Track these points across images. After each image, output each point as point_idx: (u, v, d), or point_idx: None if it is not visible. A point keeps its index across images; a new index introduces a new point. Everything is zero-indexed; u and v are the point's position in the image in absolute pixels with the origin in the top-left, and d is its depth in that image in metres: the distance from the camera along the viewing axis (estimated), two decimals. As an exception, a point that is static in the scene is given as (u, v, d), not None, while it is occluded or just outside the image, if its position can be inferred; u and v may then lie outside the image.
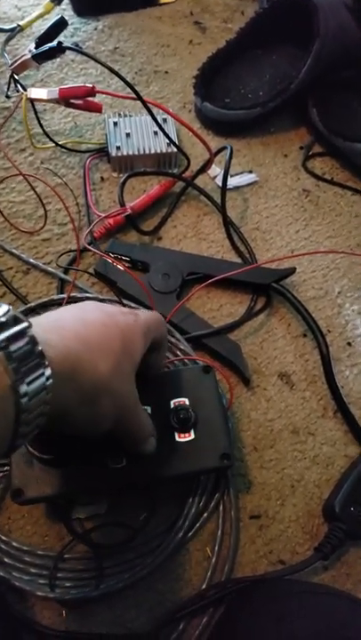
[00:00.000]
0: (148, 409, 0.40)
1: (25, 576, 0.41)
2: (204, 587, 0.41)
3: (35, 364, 0.26)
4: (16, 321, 0.26)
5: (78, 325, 0.32)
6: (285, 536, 0.44)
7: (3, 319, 0.26)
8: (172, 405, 0.41)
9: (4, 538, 0.42)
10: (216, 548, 0.42)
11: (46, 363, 0.27)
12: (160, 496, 0.44)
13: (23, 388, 0.25)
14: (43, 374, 0.26)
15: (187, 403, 0.40)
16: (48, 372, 0.27)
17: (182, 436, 0.40)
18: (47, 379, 0.27)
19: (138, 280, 0.49)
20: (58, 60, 0.66)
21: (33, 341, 0.26)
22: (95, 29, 0.70)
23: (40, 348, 0.26)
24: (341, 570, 0.42)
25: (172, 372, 0.46)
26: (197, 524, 0.43)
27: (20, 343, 0.26)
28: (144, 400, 0.38)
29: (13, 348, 0.25)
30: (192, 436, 0.40)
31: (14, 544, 0.42)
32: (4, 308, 0.26)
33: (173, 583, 0.42)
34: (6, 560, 0.41)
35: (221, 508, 0.44)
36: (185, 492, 0.43)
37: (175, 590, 0.41)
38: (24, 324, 0.26)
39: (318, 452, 0.47)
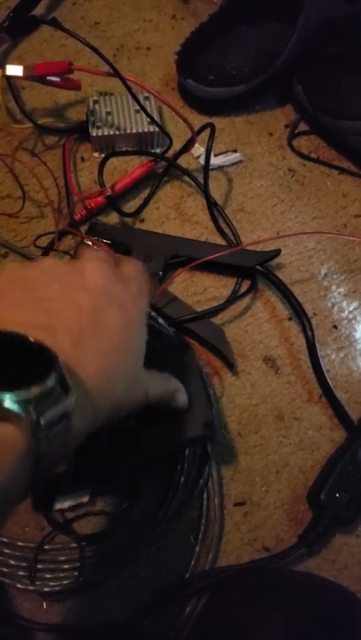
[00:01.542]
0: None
1: (4, 568, 0.38)
2: (187, 575, 0.39)
3: (61, 427, 0.23)
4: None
5: (100, 353, 0.27)
6: (270, 523, 0.42)
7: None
8: None
9: (-17, 529, 0.40)
10: (200, 535, 0.41)
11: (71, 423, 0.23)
12: (144, 479, 0.42)
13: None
14: (65, 426, 0.23)
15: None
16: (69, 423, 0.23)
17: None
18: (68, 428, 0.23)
19: (119, 258, 0.46)
20: (35, 35, 0.62)
21: (67, 416, 0.23)
22: (74, 3, 0.66)
23: (72, 422, 0.23)
24: (327, 556, 0.41)
25: (152, 349, 0.43)
26: (181, 512, 0.41)
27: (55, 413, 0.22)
28: None
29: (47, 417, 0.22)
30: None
31: (-6, 535, 0.40)
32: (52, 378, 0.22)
33: (156, 572, 0.40)
34: (-14, 552, 0.39)
35: (205, 495, 0.42)
36: (167, 479, 0.41)
37: (158, 579, 0.40)
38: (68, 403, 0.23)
39: (303, 437, 0.45)
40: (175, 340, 0.43)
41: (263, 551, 0.41)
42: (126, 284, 0.32)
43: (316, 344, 0.46)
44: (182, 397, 0.37)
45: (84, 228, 0.51)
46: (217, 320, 0.49)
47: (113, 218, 0.53)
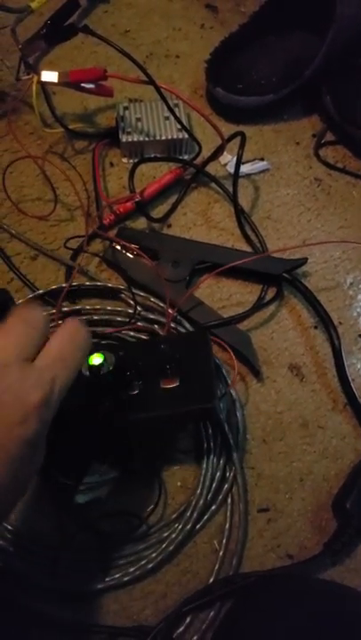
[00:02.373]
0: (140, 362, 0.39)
1: (30, 566, 0.38)
2: (211, 580, 0.39)
3: None
4: None
5: None
6: (294, 530, 0.41)
7: None
8: (159, 357, 0.39)
9: (9, 527, 0.40)
10: (224, 541, 0.40)
11: None
12: (167, 483, 0.41)
13: None
14: None
15: (175, 354, 0.39)
16: None
17: (167, 382, 0.39)
18: None
19: (152, 265, 0.47)
20: (67, 42, 0.62)
21: None
22: (105, 12, 0.66)
23: None
24: (350, 566, 0.40)
25: (168, 334, 0.45)
26: (205, 517, 0.41)
27: None
28: (136, 355, 0.40)
29: None
30: (177, 382, 0.39)
31: (18, 533, 0.39)
32: None
33: (180, 576, 0.39)
34: (11, 549, 0.39)
35: (230, 500, 0.41)
36: (193, 482, 0.41)
37: (182, 583, 0.39)
38: None
39: (328, 445, 0.44)
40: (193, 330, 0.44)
41: (286, 558, 0.40)
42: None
43: (342, 353, 0.46)
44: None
45: (112, 233, 0.51)
46: (242, 326, 0.48)
47: (141, 223, 0.53)
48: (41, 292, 0.47)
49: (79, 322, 0.33)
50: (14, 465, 0.26)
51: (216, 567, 0.39)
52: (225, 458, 0.42)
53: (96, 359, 0.39)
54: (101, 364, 0.38)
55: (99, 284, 0.48)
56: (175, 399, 0.38)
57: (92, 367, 0.38)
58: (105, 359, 0.39)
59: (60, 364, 0.30)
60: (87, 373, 0.38)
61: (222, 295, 0.50)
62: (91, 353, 0.39)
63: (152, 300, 0.46)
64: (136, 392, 0.39)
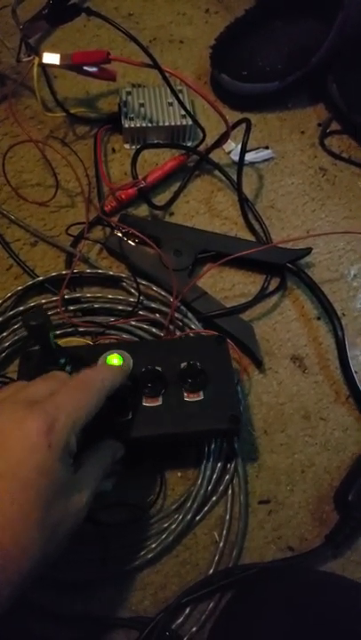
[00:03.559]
0: (160, 368, 0.37)
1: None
2: (211, 572, 0.38)
3: None
4: None
5: None
6: (295, 522, 0.40)
7: None
8: (182, 366, 0.38)
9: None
10: (224, 532, 0.39)
11: None
12: (170, 472, 0.40)
13: None
14: None
15: (198, 365, 0.37)
16: None
17: (191, 395, 0.37)
18: None
19: (158, 252, 0.45)
20: (69, 24, 0.59)
21: None
22: (109, -6, 0.64)
23: None
24: (351, 558, 0.39)
25: (185, 338, 0.43)
26: (206, 508, 0.39)
27: None
28: (155, 361, 0.37)
29: None
30: (201, 396, 0.37)
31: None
32: None
33: (179, 567, 0.38)
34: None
35: (230, 491, 0.40)
36: (194, 473, 0.40)
37: (181, 574, 0.38)
38: None
39: (330, 437, 0.43)
40: (212, 335, 0.41)
41: (287, 550, 0.39)
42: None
43: (346, 344, 0.45)
44: (121, 452, 0.35)
45: (113, 220, 0.49)
46: (245, 317, 0.47)
47: (143, 210, 0.51)
48: (41, 278, 0.45)
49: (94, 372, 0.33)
50: (30, 493, 0.27)
51: (216, 558, 0.38)
52: (227, 449, 0.41)
53: (114, 361, 0.37)
54: (121, 367, 0.37)
55: (100, 271, 0.46)
56: (200, 416, 0.36)
57: None
58: (123, 361, 0.37)
59: (66, 396, 0.30)
60: None
61: (225, 285, 0.48)
62: (106, 353, 0.37)
63: (154, 288, 0.45)
64: (159, 404, 0.36)
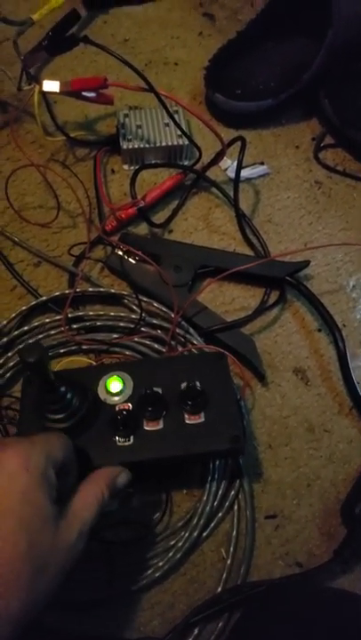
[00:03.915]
0: (160, 390, 0.37)
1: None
2: (219, 590, 0.37)
3: None
4: None
5: None
6: (302, 537, 0.39)
7: None
8: (182, 387, 0.37)
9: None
10: (231, 549, 0.38)
11: None
12: (173, 488, 0.40)
13: None
14: None
15: (197, 385, 0.36)
16: None
17: (192, 417, 0.36)
18: None
19: (158, 270, 0.45)
20: (68, 52, 0.61)
21: None
22: (105, 22, 0.65)
23: None
24: (360, 573, 0.38)
25: (185, 356, 0.43)
26: (212, 524, 0.39)
27: None
28: (155, 382, 0.37)
29: None
30: (202, 418, 0.36)
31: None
32: None
33: (187, 585, 0.38)
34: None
35: (236, 507, 0.39)
36: (199, 490, 0.39)
37: (189, 592, 0.37)
38: None
39: (334, 449, 0.42)
40: (211, 352, 0.41)
41: (295, 566, 0.38)
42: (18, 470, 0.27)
43: (347, 356, 0.44)
44: (123, 477, 0.33)
45: (114, 239, 0.49)
46: (246, 330, 0.47)
47: (142, 229, 0.51)
48: (44, 298, 0.45)
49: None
50: (11, 521, 0.26)
51: (224, 576, 0.37)
52: (232, 466, 0.40)
53: (114, 385, 0.37)
54: (121, 391, 0.37)
55: (102, 289, 0.46)
56: (201, 438, 0.36)
57: (110, 393, 0.37)
58: (124, 384, 0.37)
59: (41, 436, 0.30)
60: (106, 401, 0.37)
61: (225, 299, 0.48)
62: (107, 375, 0.37)
63: (155, 305, 0.45)
64: (160, 427, 0.36)
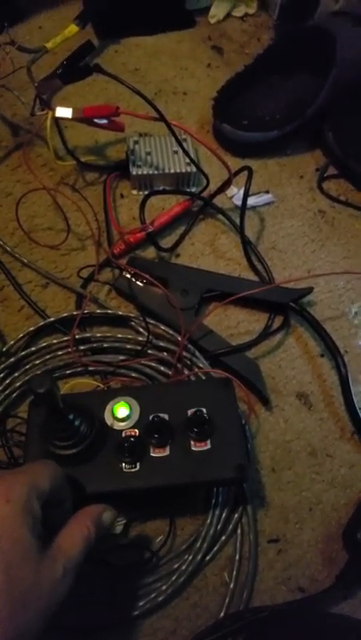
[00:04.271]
0: (166, 416, 0.38)
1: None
2: (222, 614, 0.38)
3: None
4: None
5: None
6: (304, 561, 0.40)
7: None
8: (188, 414, 0.38)
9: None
10: (234, 573, 0.39)
11: None
12: (176, 512, 0.41)
13: None
14: None
15: (204, 412, 0.37)
16: None
17: (198, 444, 0.37)
18: None
19: (165, 293, 0.47)
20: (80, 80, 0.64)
21: None
22: (116, 51, 0.69)
23: None
24: (363, 599, 0.39)
25: (191, 382, 0.44)
26: (215, 548, 0.40)
27: None
28: (162, 408, 0.38)
29: None
30: (208, 445, 0.37)
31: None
32: None
33: (190, 610, 0.38)
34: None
35: (239, 531, 0.40)
36: (203, 513, 0.40)
37: (191, 618, 0.38)
38: None
39: (336, 474, 0.44)
40: (217, 377, 0.42)
41: (298, 591, 0.39)
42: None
43: (349, 381, 0.46)
44: (108, 515, 0.33)
45: (122, 262, 0.51)
46: (250, 354, 0.48)
47: (150, 252, 0.53)
48: (52, 319, 0.47)
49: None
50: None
51: (226, 601, 0.38)
52: (234, 487, 0.41)
53: (121, 410, 0.38)
54: (127, 417, 0.38)
55: (109, 311, 0.48)
56: (207, 465, 0.37)
57: (117, 419, 0.38)
58: (130, 410, 0.38)
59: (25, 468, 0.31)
60: (113, 426, 0.37)
61: (230, 323, 0.50)
62: (114, 401, 0.38)
63: (162, 327, 0.46)
64: (167, 454, 0.37)
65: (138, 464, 0.36)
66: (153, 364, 0.45)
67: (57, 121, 0.57)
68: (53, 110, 0.53)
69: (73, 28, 0.65)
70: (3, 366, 0.44)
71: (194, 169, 0.55)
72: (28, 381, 0.43)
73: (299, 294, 0.50)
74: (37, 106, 0.57)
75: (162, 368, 0.45)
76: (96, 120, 0.53)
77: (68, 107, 0.53)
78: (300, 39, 0.61)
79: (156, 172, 0.55)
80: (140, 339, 0.46)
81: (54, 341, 0.46)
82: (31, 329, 0.46)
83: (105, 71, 0.54)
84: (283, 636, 0.36)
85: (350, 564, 0.39)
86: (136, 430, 0.37)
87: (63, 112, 0.52)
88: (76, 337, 0.46)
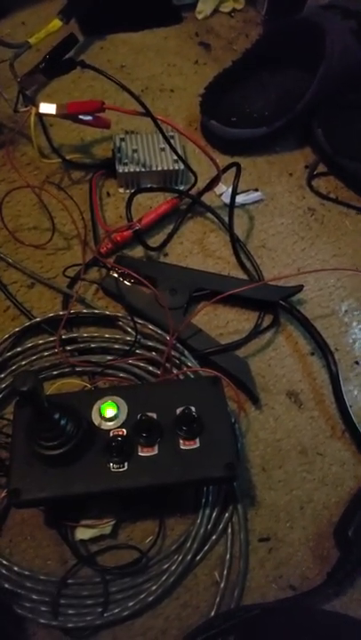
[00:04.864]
0: (155, 415, 0.39)
1: (27, 603, 0.38)
2: (213, 614, 0.39)
3: None
4: None
5: None
6: (295, 560, 0.42)
7: None
8: (177, 413, 0.39)
9: (4, 562, 0.40)
10: (225, 572, 0.41)
11: None
12: (166, 512, 0.42)
13: None
14: None
15: (193, 410, 0.39)
16: None
17: (187, 443, 0.39)
18: None
19: (154, 292, 0.48)
20: (65, 76, 0.65)
21: None
22: (102, 48, 0.70)
23: None
24: (353, 596, 0.41)
25: (180, 381, 0.45)
26: (206, 547, 0.41)
27: None
28: (150, 407, 0.39)
29: None
30: (197, 444, 0.39)
31: (15, 569, 0.40)
32: None
33: (180, 610, 0.40)
34: (7, 586, 0.39)
35: (230, 530, 0.42)
36: (193, 513, 0.42)
37: (182, 617, 0.39)
38: None
39: (327, 472, 0.45)
40: (206, 376, 0.44)
41: (289, 589, 0.41)
42: None
43: (340, 379, 0.48)
44: None
45: (109, 262, 0.52)
46: (240, 353, 0.50)
47: (138, 251, 0.55)
48: (38, 319, 0.48)
49: None
50: None
51: (217, 600, 0.40)
52: (224, 487, 0.43)
53: (109, 410, 0.39)
54: (115, 417, 0.39)
55: (96, 311, 0.49)
56: (196, 464, 0.38)
57: (104, 419, 0.39)
58: (118, 409, 0.39)
59: None
60: (101, 426, 0.38)
61: (219, 322, 0.52)
62: (101, 400, 0.39)
63: (150, 327, 0.48)
64: (155, 453, 0.38)
65: (126, 464, 0.38)
66: (141, 364, 0.46)
67: (42, 118, 0.59)
68: (37, 106, 0.54)
69: (56, 23, 0.66)
70: (-12, 368, 0.45)
71: (182, 166, 0.56)
72: (12, 382, 0.45)
73: (289, 292, 0.51)
74: (21, 102, 0.58)
75: (150, 368, 0.46)
76: (81, 116, 0.54)
77: (52, 103, 0.54)
78: (288, 33, 0.63)
79: (143, 170, 0.57)
80: (128, 338, 0.47)
81: (40, 342, 0.47)
82: (17, 329, 0.48)
83: (90, 65, 0.55)
84: (274, 634, 0.37)
85: (341, 562, 0.40)
86: (124, 430, 0.39)
87: (47, 108, 0.53)
88: (63, 337, 0.47)
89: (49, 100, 0.64)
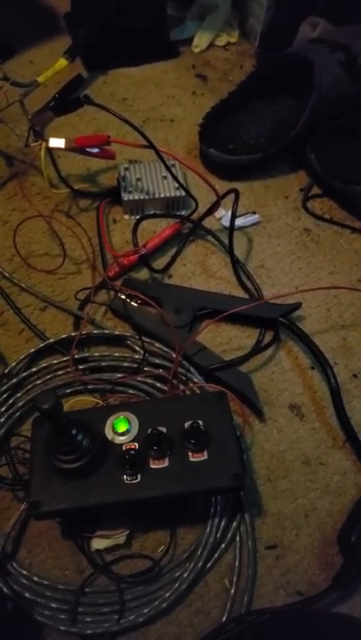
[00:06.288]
0: (164, 429, 0.42)
1: (46, 611, 0.40)
2: (224, 619, 0.41)
3: None
4: None
5: None
6: (302, 566, 0.44)
7: None
8: (185, 426, 0.42)
9: (24, 572, 0.42)
10: (234, 579, 0.42)
11: None
12: (177, 522, 0.44)
13: None
14: None
15: (200, 424, 0.41)
16: None
17: (196, 455, 0.41)
18: None
19: (160, 312, 0.51)
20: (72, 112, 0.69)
21: None
22: (105, 82, 0.74)
23: None
24: (358, 600, 0.42)
25: (187, 396, 0.48)
26: (215, 555, 0.43)
27: None
28: (159, 421, 0.41)
29: None
30: (205, 456, 0.41)
31: (35, 578, 0.42)
32: None
33: (193, 616, 0.41)
34: (27, 595, 0.41)
35: (238, 538, 0.44)
36: (202, 522, 0.44)
37: (194, 624, 0.41)
38: None
39: (330, 481, 0.47)
40: (212, 391, 0.46)
41: (296, 595, 0.43)
42: None
43: (340, 392, 0.50)
44: None
45: (117, 284, 0.55)
46: (243, 369, 0.52)
47: (143, 274, 0.58)
48: (51, 341, 0.51)
49: None
50: None
51: (228, 606, 0.41)
52: (232, 497, 0.45)
53: (121, 425, 0.41)
54: (127, 431, 0.41)
55: (106, 331, 0.52)
56: (204, 475, 0.40)
57: (117, 433, 0.41)
58: (130, 425, 0.41)
59: None
60: (114, 441, 0.41)
61: (222, 339, 0.54)
62: (114, 416, 0.42)
63: (157, 345, 0.51)
64: (166, 465, 0.40)
65: (138, 475, 0.40)
66: (149, 381, 0.49)
67: (50, 151, 0.62)
68: (47, 141, 0.58)
69: (63, 62, 0.71)
70: (5, 387, 0.48)
71: (183, 193, 0.60)
72: (32, 400, 0.47)
73: (288, 309, 0.54)
74: (31, 137, 0.62)
75: (158, 384, 0.49)
76: (88, 149, 0.58)
77: (60, 137, 0.58)
78: (280, 65, 0.67)
79: (146, 197, 0.60)
80: (137, 357, 0.50)
81: (54, 362, 0.50)
82: (32, 350, 0.50)
83: (95, 103, 0.59)
84: (285, 636, 0.39)
85: (346, 567, 0.42)
86: (135, 444, 0.41)
87: (56, 142, 0.57)
88: (75, 357, 0.50)
89: (56, 132, 0.68)
